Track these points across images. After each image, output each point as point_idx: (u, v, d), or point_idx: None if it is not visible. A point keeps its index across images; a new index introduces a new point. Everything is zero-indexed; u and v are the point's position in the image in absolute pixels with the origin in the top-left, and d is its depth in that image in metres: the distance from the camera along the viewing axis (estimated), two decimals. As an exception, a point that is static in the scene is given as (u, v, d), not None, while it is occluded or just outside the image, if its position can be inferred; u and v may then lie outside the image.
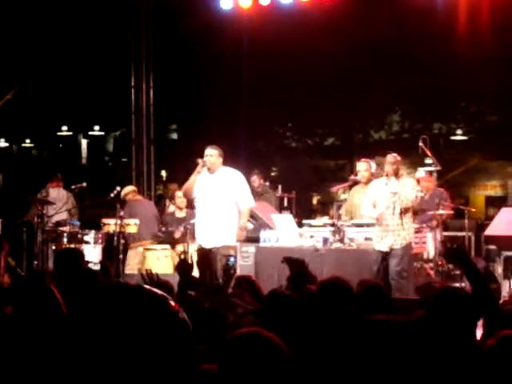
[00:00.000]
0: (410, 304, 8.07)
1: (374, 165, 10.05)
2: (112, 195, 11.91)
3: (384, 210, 9.14)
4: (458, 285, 10.58)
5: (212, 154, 9.01)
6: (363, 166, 10.57)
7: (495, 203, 18.34)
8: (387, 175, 9.18)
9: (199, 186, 9.10)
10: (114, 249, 11.19)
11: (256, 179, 13.01)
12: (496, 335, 2.62)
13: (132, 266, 11.65)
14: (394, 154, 9.22)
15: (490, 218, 12.52)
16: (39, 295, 3.66)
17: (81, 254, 6.77)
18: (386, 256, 9.09)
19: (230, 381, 2.42)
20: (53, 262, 8.20)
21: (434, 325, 3.48)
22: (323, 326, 3.91)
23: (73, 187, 12.54)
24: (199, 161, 8.98)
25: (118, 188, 12.02)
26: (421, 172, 12.00)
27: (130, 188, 12.60)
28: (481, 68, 16.71)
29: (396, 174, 9.11)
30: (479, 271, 4.02)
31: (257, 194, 12.54)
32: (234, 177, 9.14)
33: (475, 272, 3.88)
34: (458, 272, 11.46)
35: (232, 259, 8.53)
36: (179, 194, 11.60)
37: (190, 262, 5.13)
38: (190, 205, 10.90)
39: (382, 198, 9.15)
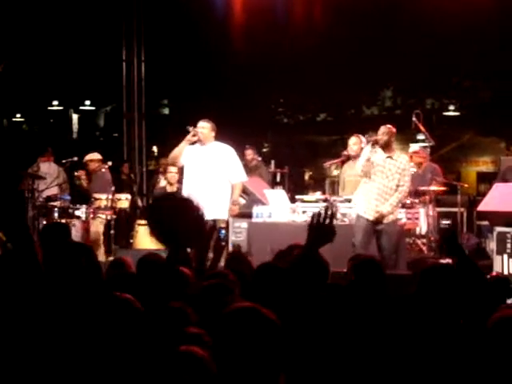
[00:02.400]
0: (402, 279, 8.08)
1: (364, 139, 9.93)
2: (103, 170, 11.87)
3: (378, 173, 8.83)
4: (450, 261, 10.58)
5: (204, 127, 8.95)
6: (353, 140, 10.52)
7: (487, 179, 18.33)
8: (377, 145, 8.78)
9: (190, 157, 9.01)
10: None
11: (250, 154, 12.96)
12: (497, 315, 2.60)
13: None
14: (389, 126, 8.97)
15: (482, 194, 12.52)
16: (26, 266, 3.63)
17: (67, 228, 6.75)
18: (372, 227, 8.84)
19: (224, 355, 2.40)
20: (38, 236, 8.18)
21: (424, 300, 3.46)
22: (312, 297, 3.87)
23: (64, 161, 12.47)
24: (190, 129, 8.91)
25: (110, 163, 11.98)
26: (414, 147, 11.96)
27: (96, 156, 12.36)
28: (474, 43, 16.65)
29: (387, 146, 8.84)
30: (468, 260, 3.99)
31: (249, 169, 12.50)
32: (225, 151, 9.08)
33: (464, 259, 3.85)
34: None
35: (223, 231, 8.49)
36: (172, 169, 11.53)
37: None
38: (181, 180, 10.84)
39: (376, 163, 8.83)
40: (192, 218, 3.81)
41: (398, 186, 8.78)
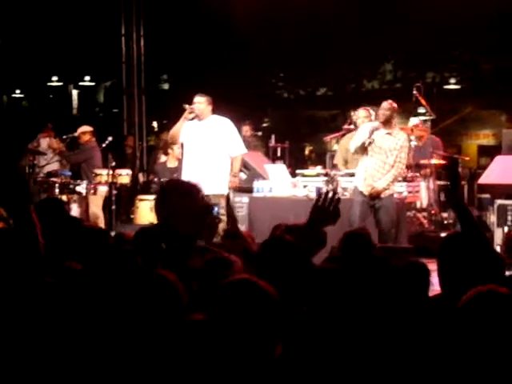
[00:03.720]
0: (403, 252, 8.09)
1: (373, 112, 9.88)
2: (104, 145, 11.87)
3: (376, 149, 8.81)
4: (450, 234, 10.60)
5: (200, 101, 8.89)
6: (363, 113, 10.44)
7: (488, 152, 18.31)
8: (380, 121, 8.86)
9: (188, 133, 8.97)
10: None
11: (248, 129, 12.94)
12: (473, 290, 2.60)
13: None
14: (390, 101, 8.95)
15: (483, 167, 12.52)
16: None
17: (61, 202, 6.78)
18: (368, 202, 8.80)
19: (219, 328, 2.42)
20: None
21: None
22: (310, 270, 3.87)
23: (64, 137, 12.45)
24: (186, 106, 8.87)
25: (110, 138, 11.96)
26: (414, 120, 11.91)
27: (87, 128, 12.28)
28: (475, 16, 16.56)
29: (387, 122, 8.80)
30: (473, 218, 3.98)
31: (247, 145, 12.48)
32: (223, 124, 9.03)
33: (469, 217, 3.84)
34: (451, 221, 11.50)
35: (216, 209, 8.43)
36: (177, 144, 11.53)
37: None
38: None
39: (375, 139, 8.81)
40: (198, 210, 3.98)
41: (395, 162, 8.77)
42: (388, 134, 8.80)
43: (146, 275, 3.06)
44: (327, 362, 2.47)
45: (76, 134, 12.00)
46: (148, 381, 2.50)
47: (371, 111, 10.13)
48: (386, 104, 8.89)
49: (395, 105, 8.93)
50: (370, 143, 8.74)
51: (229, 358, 2.38)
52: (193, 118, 8.95)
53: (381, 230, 8.71)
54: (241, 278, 2.52)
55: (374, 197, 8.75)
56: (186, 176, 9.09)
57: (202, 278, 3.61)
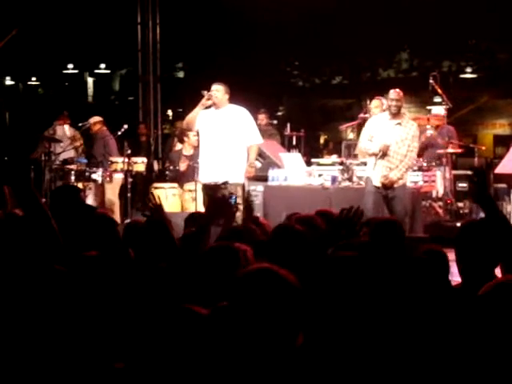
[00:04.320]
0: (419, 242, 8.07)
1: (385, 102, 9.85)
2: (119, 133, 11.89)
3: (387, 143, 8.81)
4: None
5: (218, 90, 8.85)
6: (375, 103, 10.44)
7: (504, 142, 18.22)
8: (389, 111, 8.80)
9: (205, 121, 8.94)
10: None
11: (264, 118, 12.92)
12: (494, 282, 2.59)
13: None
14: (398, 90, 8.85)
15: (499, 157, 12.46)
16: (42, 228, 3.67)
17: (77, 189, 6.79)
18: (381, 193, 8.79)
19: (240, 317, 2.42)
20: (49, 199, 8.21)
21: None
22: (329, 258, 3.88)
23: (80, 125, 12.48)
24: (204, 93, 8.83)
25: (126, 126, 11.99)
26: (435, 110, 11.84)
27: (97, 118, 12.28)
28: (491, 5, 16.46)
29: (398, 112, 8.77)
30: (498, 211, 3.95)
31: (263, 134, 12.46)
32: (240, 113, 9.00)
33: (495, 210, 3.81)
34: (466, 210, 11.46)
35: (234, 197, 8.40)
36: (193, 132, 11.52)
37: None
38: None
39: (383, 133, 8.81)
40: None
41: (407, 151, 8.74)
42: (398, 124, 8.76)
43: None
44: (348, 351, 2.46)
45: (87, 125, 12.06)
46: (164, 372, 2.50)
47: (383, 101, 10.10)
48: (394, 94, 8.79)
49: (401, 93, 8.87)
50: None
51: (250, 347, 2.38)
52: (209, 106, 8.91)
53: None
54: (262, 267, 2.51)
55: (387, 187, 8.73)
56: (202, 165, 9.09)
57: (205, 266, 3.61)
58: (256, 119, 12.16)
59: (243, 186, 9.04)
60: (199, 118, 8.93)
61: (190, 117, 9.09)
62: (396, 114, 8.74)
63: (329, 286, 2.79)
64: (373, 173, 8.83)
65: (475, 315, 2.50)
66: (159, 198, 4.92)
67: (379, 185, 8.74)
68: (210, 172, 8.88)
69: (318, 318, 2.63)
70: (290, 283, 2.47)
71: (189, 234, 4.71)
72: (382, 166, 8.74)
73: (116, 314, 3.08)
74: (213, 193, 8.61)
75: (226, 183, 8.59)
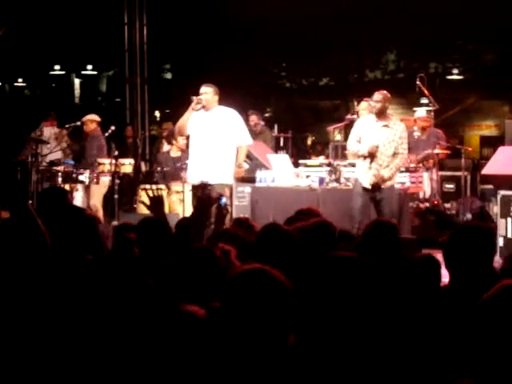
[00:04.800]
0: (407, 243, 8.09)
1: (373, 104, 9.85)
2: (107, 134, 11.86)
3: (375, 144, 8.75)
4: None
5: (207, 92, 8.85)
6: (363, 105, 10.44)
7: (490, 143, 18.30)
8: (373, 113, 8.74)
9: (195, 124, 8.94)
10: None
11: (254, 119, 12.92)
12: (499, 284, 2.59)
13: None
14: (383, 92, 8.80)
15: (485, 158, 12.51)
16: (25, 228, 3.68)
17: (64, 191, 6.80)
18: (369, 194, 8.73)
19: (232, 318, 2.42)
20: (36, 201, 8.19)
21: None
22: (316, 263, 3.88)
23: (67, 126, 12.43)
24: (193, 98, 8.83)
25: (113, 127, 11.95)
26: (420, 112, 11.88)
27: (96, 117, 12.16)
28: (477, 6, 16.53)
29: (382, 113, 8.69)
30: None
31: (254, 134, 12.48)
32: (229, 115, 9.00)
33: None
34: (453, 211, 11.50)
35: (224, 199, 8.36)
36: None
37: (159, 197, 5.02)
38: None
39: (370, 135, 8.73)
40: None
41: (395, 153, 8.72)
42: (385, 126, 8.74)
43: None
44: (340, 352, 2.47)
45: (83, 121, 11.95)
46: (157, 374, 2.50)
47: (371, 103, 10.10)
48: (376, 95, 8.76)
49: (388, 94, 8.85)
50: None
51: (242, 347, 2.38)
52: (199, 109, 8.90)
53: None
54: (254, 268, 2.52)
55: (376, 187, 8.73)
56: (191, 166, 9.09)
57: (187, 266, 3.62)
58: (247, 120, 12.21)
59: (231, 188, 9.05)
60: (190, 122, 8.92)
61: (180, 122, 9.10)
62: (380, 115, 8.72)
63: (320, 286, 2.79)
64: (363, 174, 8.83)
65: (482, 318, 2.49)
66: (160, 191, 5.04)
67: (368, 186, 8.74)
68: (197, 173, 8.88)
69: (309, 318, 2.63)
70: (281, 284, 2.48)
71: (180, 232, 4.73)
72: (370, 168, 8.74)
73: (113, 316, 3.07)
74: (199, 193, 8.62)
75: (208, 184, 8.58)
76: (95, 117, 12.04)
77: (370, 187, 8.71)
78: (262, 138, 12.52)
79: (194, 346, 2.44)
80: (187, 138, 9.52)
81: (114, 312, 2.99)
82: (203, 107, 8.82)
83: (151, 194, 4.82)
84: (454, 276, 3.44)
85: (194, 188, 9.05)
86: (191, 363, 2.43)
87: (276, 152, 12.16)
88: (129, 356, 2.56)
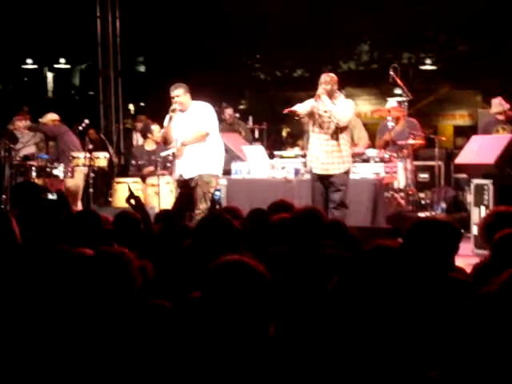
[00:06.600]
0: (381, 233, 8.14)
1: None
2: (80, 128, 11.80)
3: (317, 128, 8.81)
4: (428, 214, 10.69)
5: (179, 94, 8.76)
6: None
7: (463, 133, 18.41)
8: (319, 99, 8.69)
9: (176, 127, 8.86)
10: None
11: (229, 112, 12.95)
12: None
13: None
14: (332, 75, 8.86)
15: (459, 148, 12.58)
16: None
17: (37, 186, 6.82)
18: (324, 181, 8.76)
19: (212, 309, 2.43)
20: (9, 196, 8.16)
21: (411, 254, 3.49)
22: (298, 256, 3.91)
23: (40, 120, 12.35)
24: (170, 112, 8.73)
25: (87, 121, 11.88)
26: (392, 102, 11.95)
27: (55, 116, 12.04)
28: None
29: (330, 96, 8.69)
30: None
31: (229, 126, 12.50)
32: (202, 108, 8.94)
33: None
34: (428, 201, 11.58)
35: (217, 193, 8.32)
36: (157, 128, 11.49)
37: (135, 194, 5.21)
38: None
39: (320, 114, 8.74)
40: None
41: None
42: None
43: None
44: (320, 342, 2.48)
45: (44, 122, 11.86)
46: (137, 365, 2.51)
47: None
48: (324, 77, 8.80)
49: (335, 77, 8.84)
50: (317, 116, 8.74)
51: (222, 338, 2.39)
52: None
53: (333, 208, 8.66)
54: (232, 259, 2.53)
55: (327, 175, 8.72)
56: (179, 165, 8.99)
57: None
58: (222, 113, 12.21)
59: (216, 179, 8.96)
60: (172, 128, 8.86)
61: (163, 133, 9.17)
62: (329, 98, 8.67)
63: (303, 277, 2.80)
64: (314, 161, 8.88)
65: (487, 310, 2.50)
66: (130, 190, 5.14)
67: (320, 172, 8.84)
68: (185, 167, 8.80)
69: (289, 308, 2.65)
70: (260, 274, 2.49)
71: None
72: (321, 151, 8.81)
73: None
74: (186, 188, 8.61)
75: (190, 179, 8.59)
76: (54, 116, 11.93)
77: (321, 173, 8.80)
78: (237, 130, 12.52)
79: (171, 338, 2.45)
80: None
81: (90, 304, 2.98)
82: (180, 110, 8.77)
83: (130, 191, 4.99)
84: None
85: (180, 183, 8.98)
86: (170, 355, 2.44)
87: (251, 144, 12.18)
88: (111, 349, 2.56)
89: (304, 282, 2.75)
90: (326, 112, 8.68)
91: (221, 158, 8.99)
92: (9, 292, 3.12)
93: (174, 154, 9.28)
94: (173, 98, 8.74)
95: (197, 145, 8.79)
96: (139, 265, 3.18)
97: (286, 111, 8.92)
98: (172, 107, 8.71)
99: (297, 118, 8.89)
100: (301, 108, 8.93)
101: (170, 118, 8.80)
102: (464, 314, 2.73)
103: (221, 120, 11.74)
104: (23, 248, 3.86)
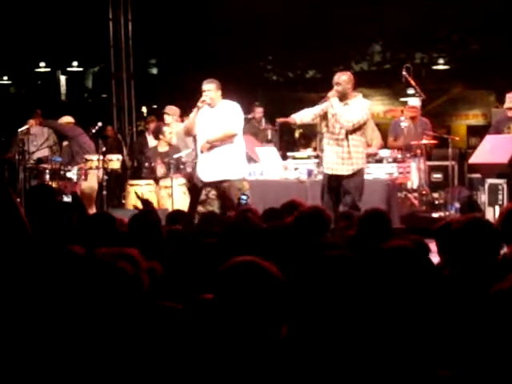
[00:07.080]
0: (395, 233, 8.11)
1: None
2: (94, 131, 11.82)
3: (329, 129, 8.73)
4: (442, 214, 10.65)
5: (210, 89, 8.71)
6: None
7: (477, 132, 18.34)
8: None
9: (201, 122, 8.80)
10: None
11: (261, 111, 13.20)
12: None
13: None
14: (345, 75, 8.66)
15: (472, 147, 12.54)
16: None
17: (52, 189, 6.80)
18: (334, 181, 8.66)
19: (226, 310, 2.43)
20: (24, 199, 8.17)
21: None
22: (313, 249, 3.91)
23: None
24: (199, 104, 8.69)
25: (100, 123, 11.91)
26: (413, 101, 11.84)
27: (70, 119, 12.13)
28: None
29: (344, 96, 8.58)
30: None
31: (257, 124, 12.68)
32: (231, 108, 8.84)
33: None
34: (441, 201, 11.54)
35: (244, 197, 8.25)
36: (168, 129, 11.51)
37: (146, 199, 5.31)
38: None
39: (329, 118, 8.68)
40: None
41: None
42: (346, 105, 8.68)
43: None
44: (332, 343, 2.47)
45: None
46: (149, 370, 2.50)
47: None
48: (343, 75, 8.67)
49: (352, 76, 8.73)
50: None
51: (235, 339, 2.39)
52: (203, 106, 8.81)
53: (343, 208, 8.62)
54: (245, 260, 2.52)
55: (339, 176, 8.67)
56: (203, 164, 8.94)
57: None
58: (252, 111, 12.33)
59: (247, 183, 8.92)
60: (197, 121, 8.83)
61: (187, 124, 9.10)
62: (342, 98, 8.56)
63: (314, 278, 2.79)
64: (326, 161, 8.84)
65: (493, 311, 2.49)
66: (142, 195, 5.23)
67: (330, 172, 8.78)
68: (210, 170, 8.74)
69: (302, 309, 2.64)
70: (273, 275, 2.49)
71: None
72: (333, 151, 8.77)
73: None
74: (216, 191, 8.61)
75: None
76: (70, 118, 12.01)
77: (331, 173, 8.76)
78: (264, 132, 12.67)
79: (181, 340, 2.45)
80: (194, 137, 9.45)
81: (100, 307, 2.98)
82: (208, 105, 8.74)
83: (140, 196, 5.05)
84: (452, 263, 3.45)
85: (207, 185, 8.88)
86: (182, 356, 2.44)
87: (264, 145, 12.18)
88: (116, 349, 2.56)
89: (309, 282, 2.74)
90: (333, 116, 8.62)
91: (245, 160, 8.99)
92: (13, 286, 3.13)
93: (187, 154, 9.27)
94: (204, 91, 8.73)
95: (223, 147, 8.73)
96: (148, 266, 3.17)
97: (280, 121, 8.90)
98: (201, 99, 8.68)
99: (294, 126, 8.89)
100: (297, 116, 8.92)
101: (198, 110, 8.76)
102: (477, 311, 2.72)
103: (248, 119, 11.85)
104: (35, 242, 3.86)
